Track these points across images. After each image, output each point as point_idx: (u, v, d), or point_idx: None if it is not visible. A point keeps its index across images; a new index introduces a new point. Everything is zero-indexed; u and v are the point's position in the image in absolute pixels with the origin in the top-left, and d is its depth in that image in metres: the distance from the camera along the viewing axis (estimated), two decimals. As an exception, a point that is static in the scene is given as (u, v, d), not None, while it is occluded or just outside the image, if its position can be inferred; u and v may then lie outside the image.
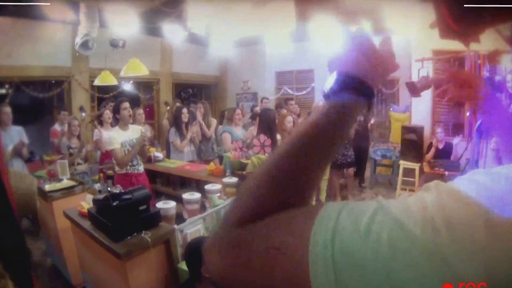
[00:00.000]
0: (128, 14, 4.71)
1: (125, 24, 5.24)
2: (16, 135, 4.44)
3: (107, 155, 4.40)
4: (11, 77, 6.21)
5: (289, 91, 9.29)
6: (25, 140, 4.52)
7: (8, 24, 5.91)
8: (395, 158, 6.40)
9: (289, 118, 4.51)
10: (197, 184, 4.35)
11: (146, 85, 8.78)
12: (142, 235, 2.21)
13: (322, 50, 7.05)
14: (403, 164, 5.67)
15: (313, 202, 4.55)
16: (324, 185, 5.53)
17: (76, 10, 5.16)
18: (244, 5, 5.16)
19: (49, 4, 5.02)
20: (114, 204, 2.06)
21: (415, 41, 5.96)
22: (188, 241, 2.30)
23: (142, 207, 2.20)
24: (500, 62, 4.81)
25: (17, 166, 4.37)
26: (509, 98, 3.83)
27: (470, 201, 0.38)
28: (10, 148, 4.21)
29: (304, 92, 9.12)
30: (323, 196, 5.63)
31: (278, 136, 4.44)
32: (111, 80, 5.97)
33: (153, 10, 4.56)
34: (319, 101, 5.37)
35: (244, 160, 3.46)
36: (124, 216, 2.13)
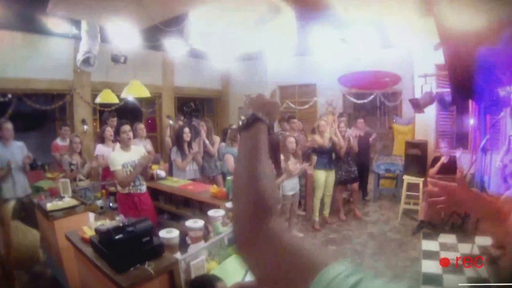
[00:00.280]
0: (129, 31, 4.72)
1: (127, 40, 5.25)
2: (18, 150, 4.46)
3: (109, 171, 4.39)
4: (14, 90, 6.25)
5: (292, 105, 9.28)
6: (28, 154, 4.56)
7: (10, 38, 5.96)
8: (398, 172, 6.36)
9: (291, 139, 4.51)
10: (200, 204, 4.32)
11: (148, 99, 8.77)
12: (146, 266, 2.16)
13: (324, 64, 7.09)
14: (407, 179, 5.62)
15: (317, 218, 4.55)
16: (328, 201, 5.51)
17: (78, 25, 5.19)
18: (246, 21, 5.16)
19: (52, 19, 5.08)
20: (117, 237, 2.02)
21: (418, 55, 5.97)
22: (190, 272, 2.26)
23: (145, 239, 2.16)
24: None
25: (19, 179, 4.41)
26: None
27: None
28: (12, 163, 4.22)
29: (307, 106, 9.11)
30: (326, 212, 5.59)
31: (282, 156, 4.42)
32: (112, 99, 5.99)
33: (154, 27, 4.56)
34: (321, 119, 5.36)
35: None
36: (127, 248, 2.10)
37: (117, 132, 3.90)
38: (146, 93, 5.90)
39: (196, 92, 9.96)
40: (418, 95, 5.43)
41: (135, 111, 8.91)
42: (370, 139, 6.43)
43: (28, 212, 4.37)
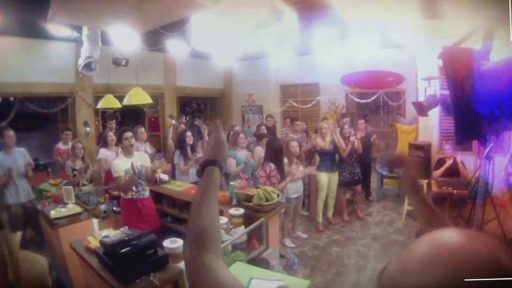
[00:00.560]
0: (130, 34, 4.70)
1: (128, 43, 5.23)
2: (20, 156, 4.46)
3: (112, 175, 4.40)
4: (16, 94, 6.27)
5: (294, 104, 9.26)
6: (30, 160, 4.56)
7: (12, 44, 5.97)
8: (402, 173, 6.31)
9: (294, 143, 4.50)
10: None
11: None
12: (151, 277, 2.18)
13: (327, 63, 7.06)
14: (411, 180, 5.58)
15: (320, 219, 4.56)
16: (331, 202, 5.50)
17: (79, 29, 5.17)
18: (248, 22, 5.15)
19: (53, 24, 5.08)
20: (122, 251, 2.03)
21: (421, 58, 5.93)
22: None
23: (149, 251, 2.17)
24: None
25: (22, 185, 4.42)
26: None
27: None
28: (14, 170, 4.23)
29: (310, 105, 9.08)
30: (330, 213, 5.59)
31: (285, 160, 4.42)
32: (114, 104, 5.96)
33: (155, 31, 4.54)
34: (323, 122, 5.34)
35: (250, 192, 3.43)
36: (132, 261, 2.11)
37: (119, 139, 3.94)
38: (148, 100, 5.87)
39: (199, 91, 9.96)
40: (421, 97, 5.41)
41: (138, 111, 8.93)
42: (372, 139, 6.40)
43: (32, 217, 4.40)
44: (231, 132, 5.69)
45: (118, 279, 2.18)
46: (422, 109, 4.36)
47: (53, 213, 3.48)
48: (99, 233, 2.83)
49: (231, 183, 3.91)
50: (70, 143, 5.13)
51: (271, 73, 9.14)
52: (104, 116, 7.69)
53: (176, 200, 4.62)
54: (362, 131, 6.03)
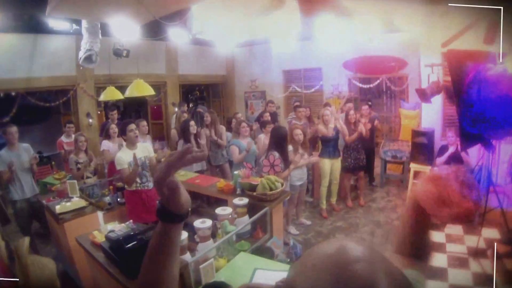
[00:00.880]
0: (130, 25, 4.66)
1: (128, 34, 5.19)
2: (24, 152, 4.48)
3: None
4: (17, 89, 6.28)
5: (298, 89, 9.21)
6: (35, 154, 4.58)
7: (12, 40, 5.95)
8: (405, 158, 6.33)
9: (298, 131, 4.48)
10: (208, 197, 4.37)
11: (153, 88, 8.77)
12: (156, 271, 2.20)
13: (329, 48, 6.98)
14: (414, 167, 5.60)
15: (324, 206, 4.58)
16: (335, 188, 5.52)
17: (78, 21, 5.14)
18: (249, 9, 5.08)
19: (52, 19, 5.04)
20: (127, 246, 2.06)
21: (424, 44, 5.84)
22: (200, 273, 2.29)
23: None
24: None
25: (27, 180, 4.45)
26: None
27: None
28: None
29: (313, 90, 9.01)
30: (334, 199, 5.62)
31: (290, 147, 4.43)
32: (116, 95, 5.92)
33: (156, 21, 4.50)
34: (326, 109, 5.30)
35: (253, 182, 3.44)
36: (138, 256, 2.13)
37: (123, 132, 3.90)
38: (150, 91, 5.82)
39: (201, 78, 9.91)
40: (425, 84, 5.34)
41: (140, 100, 8.92)
42: (374, 124, 6.38)
43: (37, 211, 4.46)
44: (234, 120, 5.69)
45: (124, 273, 2.22)
46: (425, 96, 4.32)
47: (58, 208, 3.52)
48: (104, 227, 2.87)
49: (235, 172, 3.92)
50: (73, 136, 5.15)
51: (274, 58, 9.05)
52: (106, 106, 7.69)
53: (181, 190, 4.65)
54: (366, 116, 6.01)
